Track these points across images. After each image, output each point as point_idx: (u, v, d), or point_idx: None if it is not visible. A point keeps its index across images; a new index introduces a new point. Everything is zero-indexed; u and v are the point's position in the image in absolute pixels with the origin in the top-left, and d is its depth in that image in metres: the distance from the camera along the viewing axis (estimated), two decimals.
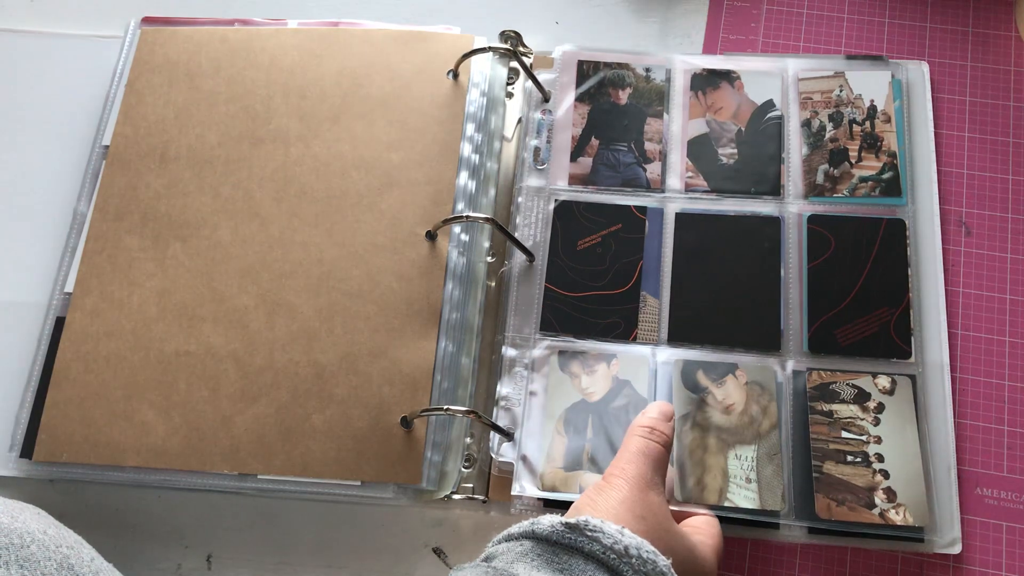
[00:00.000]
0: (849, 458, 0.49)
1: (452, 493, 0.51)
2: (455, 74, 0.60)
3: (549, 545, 0.39)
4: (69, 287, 0.57)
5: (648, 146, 0.59)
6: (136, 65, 0.63)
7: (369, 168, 0.58)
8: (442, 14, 0.66)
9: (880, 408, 0.50)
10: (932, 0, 0.62)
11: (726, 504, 0.48)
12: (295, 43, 0.62)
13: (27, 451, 0.53)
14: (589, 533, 0.38)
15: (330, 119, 0.60)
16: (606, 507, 0.41)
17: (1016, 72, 0.60)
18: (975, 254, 0.56)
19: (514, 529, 0.40)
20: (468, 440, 0.53)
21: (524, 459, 0.51)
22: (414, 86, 0.60)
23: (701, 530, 0.46)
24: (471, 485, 0.52)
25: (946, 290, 0.54)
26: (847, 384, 0.51)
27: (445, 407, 0.50)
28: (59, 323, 0.56)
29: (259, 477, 0.52)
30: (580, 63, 0.61)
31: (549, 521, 0.39)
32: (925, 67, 0.60)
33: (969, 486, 0.50)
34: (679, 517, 0.48)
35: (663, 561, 0.38)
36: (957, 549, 0.48)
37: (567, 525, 0.38)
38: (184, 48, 0.63)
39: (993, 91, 0.60)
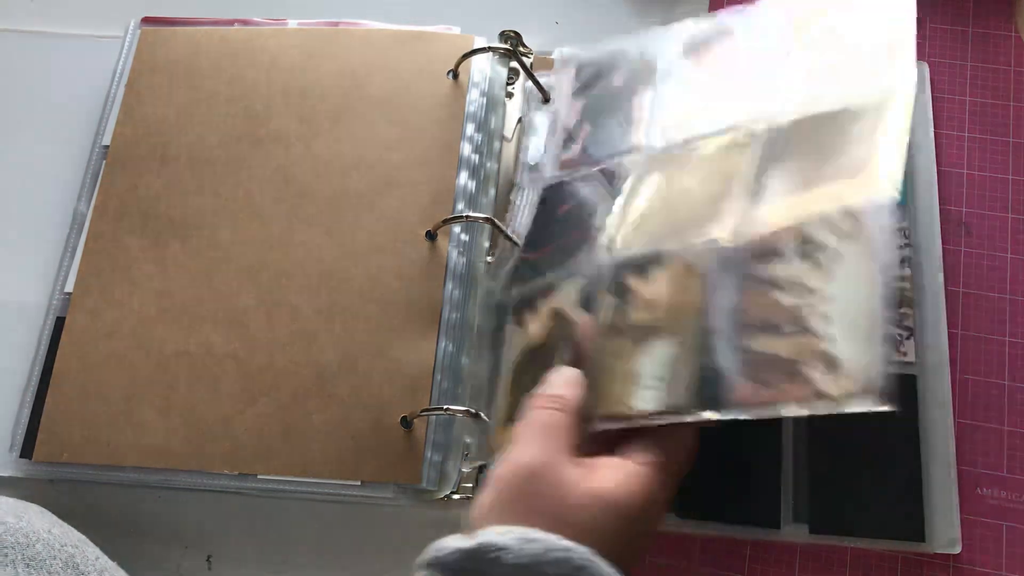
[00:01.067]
0: (787, 328, 0.39)
1: (452, 493, 0.51)
2: (455, 74, 0.60)
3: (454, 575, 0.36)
4: (69, 287, 0.57)
5: (636, 115, 0.55)
6: (136, 65, 0.63)
7: (369, 168, 0.58)
8: (442, 14, 0.66)
9: (836, 258, 0.39)
10: (932, 0, 0.62)
11: (635, 412, 0.42)
12: (295, 43, 0.62)
13: (27, 451, 0.53)
14: (490, 556, 0.35)
15: (330, 119, 0.60)
16: (492, 505, 0.39)
17: (1016, 72, 0.60)
18: (975, 254, 0.56)
19: (422, 557, 0.37)
20: (468, 440, 0.53)
21: None
22: (414, 86, 0.60)
23: (618, 465, 0.40)
24: (471, 485, 0.52)
25: (946, 290, 0.54)
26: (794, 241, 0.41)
27: (445, 407, 0.50)
28: (59, 323, 0.56)
29: (259, 477, 0.52)
30: (580, 63, 0.61)
31: (449, 548, 0.36)
32: (925, 67, 0.60)
33: (969, 486, 0.50)
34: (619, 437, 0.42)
35: (578, 555, 0.35)
36: (957, 549, 0.48)
37: (465, 554, 0.36)
38: (184, 48, 0.63)
39: (993, 91, 0.60)
